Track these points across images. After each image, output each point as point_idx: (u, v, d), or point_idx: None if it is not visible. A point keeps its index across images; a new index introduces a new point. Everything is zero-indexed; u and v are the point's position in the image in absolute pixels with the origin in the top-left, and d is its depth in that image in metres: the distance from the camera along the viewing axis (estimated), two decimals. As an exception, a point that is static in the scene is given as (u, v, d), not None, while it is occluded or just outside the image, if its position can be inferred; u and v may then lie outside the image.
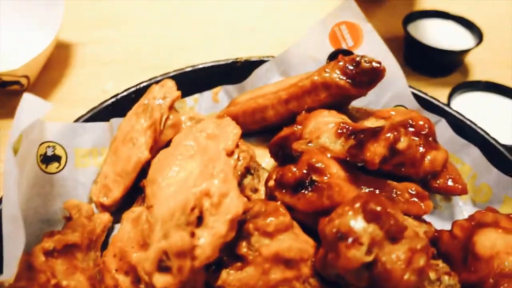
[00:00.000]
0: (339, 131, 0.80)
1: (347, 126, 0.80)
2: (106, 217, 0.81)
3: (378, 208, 0.60)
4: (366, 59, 0.86)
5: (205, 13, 1.46)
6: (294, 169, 0.74)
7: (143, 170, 0.83)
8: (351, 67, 0.87)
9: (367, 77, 0.87)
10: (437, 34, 1.24)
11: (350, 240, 0.59)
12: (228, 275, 0.69)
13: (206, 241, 0.62)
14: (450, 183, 0.83)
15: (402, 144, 0.71)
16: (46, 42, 1.14)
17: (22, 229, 0.58)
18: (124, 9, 1.47)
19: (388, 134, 0.71)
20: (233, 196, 0.68)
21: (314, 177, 0.74)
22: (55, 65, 1.25)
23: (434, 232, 0.78)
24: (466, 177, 0.90)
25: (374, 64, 0.86)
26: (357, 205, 0.61)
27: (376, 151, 0.71)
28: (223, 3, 1.50)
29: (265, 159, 0.95)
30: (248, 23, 1.41)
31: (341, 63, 0.88)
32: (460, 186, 0.83)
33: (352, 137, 0.78)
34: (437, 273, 0.67)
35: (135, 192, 0.84)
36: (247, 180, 0.85)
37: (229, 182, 0.70)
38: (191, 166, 0.73)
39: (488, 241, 0.69)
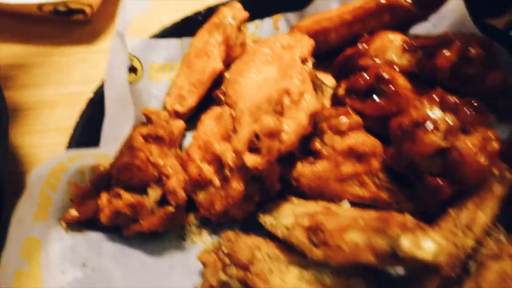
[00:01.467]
0: (405, 46, 0.84)
1: (413, 42, 0.84)
2: (181, 123, 0.87)
3: (455, 99, 0.64)
4: (432, -20, 0.89)
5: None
6: (366, 76, 0.78)
7: (216, 82, 0.88)
8: (416, -11, 0.90)
9: (431, -1, 0.90)
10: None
11: (428, 125, 0.64)
12: (303, 167, 0.76)
13: (291, 128, 0.68)
14: (510, 100, 0.86)
15: (474, 51, 0.75)
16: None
17: (131, 107, 0.64)
18: None
19: (459, 42, 0.75)
20: (311, 95, 0.73)
21: (383, 86, 0.78)
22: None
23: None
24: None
25: (440, -15, 0.88)
26: (435, 96, 0.65)
27: (447, 57, 0.74)
28: None
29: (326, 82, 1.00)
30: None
31: (406, -14, 0.91)
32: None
33: (419, 51, 0.81)
34: (499, 170, 0.71)
35: (207, 103, 0.89)
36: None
37: (306, 83, 0.75)
38: (270, 69, 0.78)
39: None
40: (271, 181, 0.76)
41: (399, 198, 0.76)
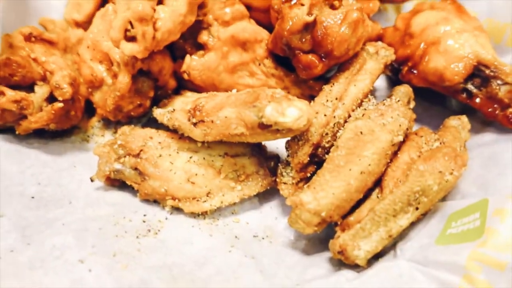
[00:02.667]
0: None
1: None
2: (79, 31, 0.86)
3: (319, -27, 0.67)
4: None
5: None
6: (249, -34, 0.79)
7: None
8: None
9: None
10: None
11: (293, 1, 0.66)
12: (191, 60, 0.78)
13: (166, 15, 0.69)
14: (397, -11, 0.89)
15: None
16: None
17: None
18: None
19: None
20: (191, -14, 0.74)
21: (268, -23, 0.79)
22: None
23: (380, 29, 0.86)
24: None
25: None
26: (300, -26, 0.67)
27: None
28: None
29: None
30: None
31: None
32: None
33: None
34: (375, 48, 0.76)
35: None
36: None
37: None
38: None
39: (421, 19, 0.77)
40: (164, 77, 0.79)
41: (286, 84, 0.80)
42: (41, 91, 0.70)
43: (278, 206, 0.75)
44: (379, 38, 0.86)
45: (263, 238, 0.70)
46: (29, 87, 0.70)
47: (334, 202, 0.61)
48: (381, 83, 0.88)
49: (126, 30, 0.68)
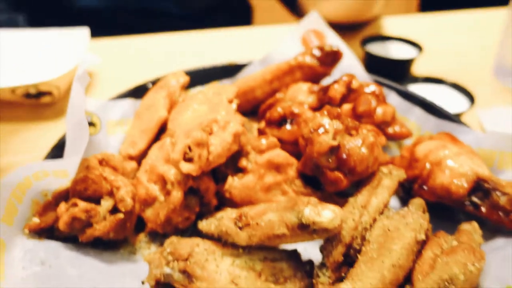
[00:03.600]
0: (311, 89, 1.08)
1: (317, 86, 1.08)
2: (133, 163, 1.02)
3: (338, 110, 0.85)
4: (328, 45, 1.16)
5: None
6: (279, 109, 0.99)
7: (162, 129, 1.07)
8: (318, 52, 1.17)
9: (330, 58, 1.16)
10: (387, 52, 1.58)
11: (320, 130, 0.83)
12: (232, 180, 0.92)
13: (217, 142, 0.86)
14: (398, 129, 1.09)
15: (355, 83, 0.99)
16: (76, 58, 1.42)
17: (87, 129, 0.81)
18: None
19: (345, 78, 0.99)
20: (235, 123, 0.92)
21: (293, 118, 0.99)
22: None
23: (389, 158, 1.02)
24: (413, 130, 1.16)
25: (334, 48, 1.16)
26: (324, 110, 0.86)
27: (336, 90, 0.97)
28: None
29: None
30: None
31: (310, 50, 1.18)
32: (406, 130, 1.09)
33: (320, 92, 1.05)
34: (388, 169, 0.90)
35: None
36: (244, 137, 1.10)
37: (231, 115, 0.95)
38: (202, 108, 0.98)
39: (423, 147, 0.94)
40: (208, 195, 0.91)
41: (314, 200, 0.92)
42: (106, 204, 0.82)
43: (315, 311, 0.79)
44: (388, 165, 1.01)
45: None
46: (97, 201, 0.82)
47: (372, 292, 0.67)
48: (394, 203, 1.00)
49: (185, 153, 0.84)
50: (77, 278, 0.76)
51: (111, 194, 0.82)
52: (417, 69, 1.61)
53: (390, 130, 1.09)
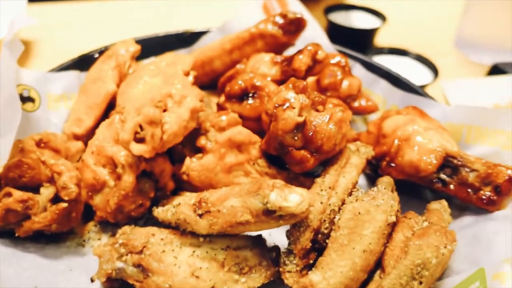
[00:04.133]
0: (274, 60, 1.00)
1: (279, 56, 1.00)
2: (79, 143, 0.92)
3: (304, 83, 0.79)
4: (291, 12, 1.08)
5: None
6: (240, 82, 0.91)
7: (111, 105, 0.96)
8: (280, 19, 1.08)
9: (293, 26, 1.08)
10: (351, 22, 1.52)
11: (285, 105, 0.76)
12: (190, 162, 0.84)
13: (172, 120, 0.77)
14: (364, 103, 1.04)
15: (321, 54, 0.92)
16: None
17: (19, 109, 0.70)
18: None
19: (309, 48, 0.91)
20: (192, 97, 0.84)
21: (256, 91, 0.92)
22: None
23: (355, 134, 0.98)
24: (379, 104, 1.11)
25: (298, 15, 1.08)
26: (289, 83, 0.79)
27: (301, 60, 0.90)
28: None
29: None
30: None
31: (272, 18, 1.10)
32: (372, 104, 1.04)
33: (284, 62, 0.97)
34: (355, 146, 0.85)
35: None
36: (202, 113, 1.01)
37: (187, 89, 0.86)
38: (154, 81, 0.88)
39: (391, 122, 0.89)
40: (164, 179, 0.83)
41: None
42: (46, 192, 0.72)
43: (281, 299, 0.74)
44: (355, 141, 0.96)
45: (271, 332, 0.68)
46: (35, 189, 0.72)
47: (342, 281, 0.62)
48: (362, 181, 0.97)
49: (136, 133, 0.75)
50: (15, 277, 0.68)
51: (51, 180, 0.73)
52: (380, 40, 1.56)
53: (356, 104, 1.04)
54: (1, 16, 1.34)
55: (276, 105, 0.78)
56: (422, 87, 1.22)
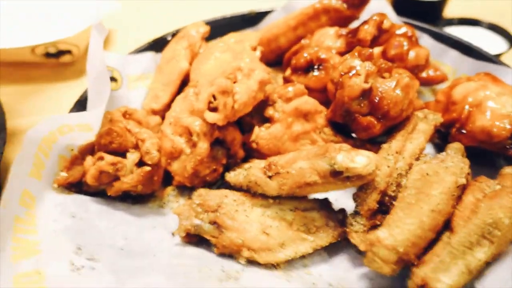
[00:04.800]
0: (339, 33, 1.01)
1: (344, 29, 1.01)
2: (157, 117, 1.00)
3: (370, 50, 0.80)
4: (355, -15, 1.08)
5: None
6: (305, 54, 0.94)
7: (185, 82, 1.03)
8: (344, -7, 1.09)
9: (358, -1, 1.09)
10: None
11: (351, 72, 0.78)
12: (259, 131, 0.88)
13: (242, 90, 0.82)
14: (432, 73, 1.02)
15: (387, 23, 0.92)
16: (94, 16, 1.38)
17: (108, 81, 0.78)
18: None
19: (375, 17, 0.92)
20: (260, 70, 0.88)
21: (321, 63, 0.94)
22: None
23: (423, 104, 0.97)
24: (449, 75, 1.09)
25: (362, -12, 1.08)
26: (354, 51, 0.81)
27: (367, 30, 0.91)
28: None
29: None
30: None
31: (336, -8, 1.10)
32: (441, 73, 1.02)
33: (349, 35, 0.99)
34: (423, 113, 0.85)
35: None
36: (269, 86, 1.05)
37: (256, 63, 0.90)
38: (224, 56, 0.94)
39: (461, 89, 0.87)
40: (235, 147, 0.89)
41: (345, 149, 0.88)
42: (132, 157, 0.80)
43: (347, 259, 0.77)
44: (423, 110, 0.95)
45: (338, 287, 0.71)
46: (123, 154, 0.81)
47: (409, 238, 0.64)
48: (430, 150, 0.95)
49: (209, 103, 0.81)
50: (107, 230, 0.76)
51: (136, 147, 0.81)
52: (450, 11, 1.50)
53: (423, 74, 1.03)
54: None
55: (342, 73, 0.80)
56: (497, 56, 1.17)
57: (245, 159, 0.91)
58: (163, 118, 0.99)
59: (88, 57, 0.83)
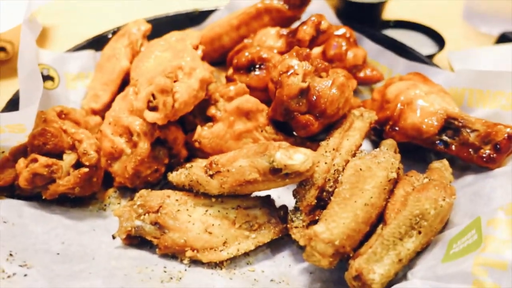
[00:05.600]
0: (280, 33, 1.03)
1: (285, 29, 1.03)
2: (97, 117, 0.97)
3: (308, 50, 0.82)
4: (296, -14, 1.11)
5: None
6: (247, 54, 0.95)
7: (126, 81, 1.01)
8: (285, -7, 1.11)
9: (299, 0, 1.11)
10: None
11: (289, 72, 0.80)
12: (201, 130, 0.89)
13: (183, 89, 0.82)
14: (369, 72, 1.07)
15: (324, 24, 0.95)
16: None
17: (40, 79, 0.75)
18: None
19: (313, 18, 0.95)
20: (201, 69, 0.88)
21: (262, 63, 0.95)
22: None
23: (360, 102, 1.01)
24: (385, 74, 1.14)
25: (302, -12, 1.10)
26: (293, 52, 0.83)
27: (305, 31, 0.94)
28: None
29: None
30: None
31: (277, -8, 1.12)
32: (377, 73, 1.07)
33: (290, 35, 1.01)
34: (359, 111, 0.89)
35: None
36: (212, 85, 1.06)
37: (197, 61, 0.90)
38: (165, 55, 0.93)
39: (394, 88, 0.92)
40: (177, 146, 0.88)
41: (286, 147, 0.90)
42: (69, 158, 0.77)
43: (290, 255, 0.79)
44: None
45: (279, 282, 0.73)
46: (58, 156, 0.78)
47: (345, 231, 0.66)
48: (367, 146, 1.00)
49: (149, 102, 0.80)
50: (43, 234, 0.74)
51: (73, 148, 0.78)
52: (387, 12, 1.57)
53: (361, 74, 1.07)
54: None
55: (281, 72, 0.81)
56: (429, 57, 1.24)
57: (189, 159, 0.91)
58: (103, 118, 0.97)
59: (19, 52, 0.79)
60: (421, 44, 1.34)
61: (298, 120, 0.82)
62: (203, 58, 1.02)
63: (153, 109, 0.80)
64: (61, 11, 1.54)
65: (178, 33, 1.00)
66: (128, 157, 0.84)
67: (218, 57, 1.20)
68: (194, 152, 0.91)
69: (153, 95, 0.80)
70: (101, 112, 1.00)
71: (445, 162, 0.82)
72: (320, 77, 0.83)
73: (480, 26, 1.53)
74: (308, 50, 0.82)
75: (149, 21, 1.17)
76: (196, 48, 0.96)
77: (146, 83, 0.82)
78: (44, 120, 0.78)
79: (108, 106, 1.00)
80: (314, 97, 0.80)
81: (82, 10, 1.58)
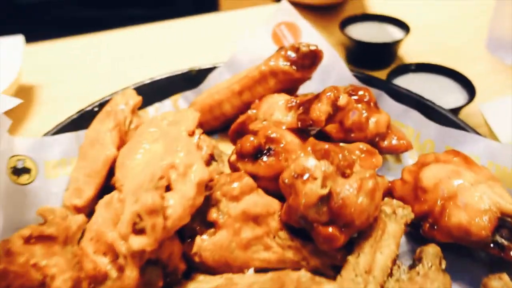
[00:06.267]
0: (288, 105, 0.88)
1: (295, 100, 0.88)
2: (80, 217, 0.83)
3: (326, 146, 0.67)
4: (303, 44, 0.96)
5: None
6: (252, 138, 0.80)
7: (113, 170, 0.87)
8: (292, 54, 0.97)
9: (308, 60, 0.97)
10: (370, 34, 1.38)
11: (305, 176, 0.65)
12: (202, 241, 0.74)
13: (176, 202, 0.67)
14: (395, 141, 0.92)
15: (342, 100, 0.80)
16: (6, 84, 1.18)
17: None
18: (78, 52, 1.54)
19: (329, 93, 0.79)
20: (198, 166, 0.73)
21: (271, 146, 0.80)
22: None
23: (388, 183, 0.85)
24: (411, 138, 0.98)
25: (312, 47, 0.96)
26: (308, 148, 0.68)
27: (320, 109, 0.78)
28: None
29: (228, 151, 1.01)
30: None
31: (283, 52, 0.98)
32: (405, 143, 0.91)
33: (300, 107, 0.86)
34: (391, 207, 0.73)
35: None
36: (213, 166, 0.91)
37: (192, 155, 0.75)
38: (155, 147, 0.78)
39: (431, 173, 0.76)
40: (173, 262, 0.73)
41: (304, 255, 0.74)
42: (39, 299, 0.63)
43: None
44: (389, 191, 0.84)
45: None
46: (26, 295, 0.63)
47: None
48: (402, 239, 0.84)
49: (134, 223, 0.65)
50: None
51: (43, 285, 0.63)
52: (403, 49, 1.42)
53: (385, 143, 0.92)
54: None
55: (295, 175, 0.66)
56: (458, 109, 1.08)
57: (188, 273, 0.76)
58: (88, 215, 0.82)
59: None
60: (448, 91, 1.19)
61: (319, 233, 0.67)
62: (202, 127, 0.89)
63: (140, 231, 0.65)
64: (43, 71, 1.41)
65: (171, 114, 0.86)
66: (114, 283, 0.69)
67: (220, 125, 1.06)
68: (194, 264, 0.76)
69: (139, 215, 0.65)
70: (86, 209, 0.86)
71: (505, 278, 0.66)
72: (343, 174, 0.68)
73: (506, 58, 1.38)
74: (326, 146, 0.67)
75: (142, 87, 1.04)
76: (192, 134, 0.81)
77: (132, 196, 0.68)
78: (7, 253, 0.63)
79: (93, 201, 0.86)
80: (337, 205, 0.65)
81: (67, 64, 1.45)
